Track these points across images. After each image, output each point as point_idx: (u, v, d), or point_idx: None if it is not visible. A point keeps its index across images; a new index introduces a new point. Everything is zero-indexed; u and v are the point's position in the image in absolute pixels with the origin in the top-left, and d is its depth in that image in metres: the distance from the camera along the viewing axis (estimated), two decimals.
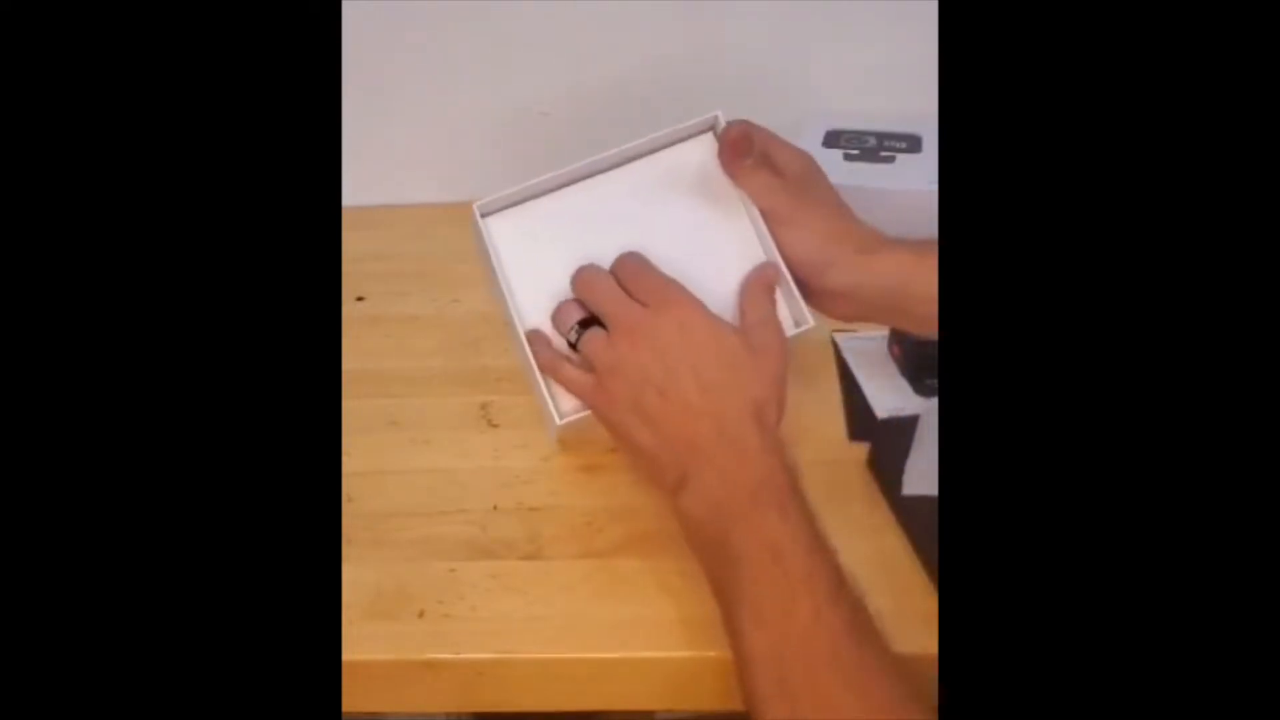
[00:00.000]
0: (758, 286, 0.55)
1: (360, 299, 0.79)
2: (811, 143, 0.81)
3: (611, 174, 0.57)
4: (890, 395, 0.64)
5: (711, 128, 0.57)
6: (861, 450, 0.60)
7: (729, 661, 0.45)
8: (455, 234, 0.88)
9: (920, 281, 0.53)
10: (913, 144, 0.79)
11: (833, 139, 0.81)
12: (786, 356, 0.52)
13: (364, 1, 0.84)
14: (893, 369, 0.67)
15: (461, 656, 0.49)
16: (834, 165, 0.77)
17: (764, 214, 0.56)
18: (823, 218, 0.56)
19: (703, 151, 0.57)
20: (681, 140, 0.57)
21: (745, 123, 0.57)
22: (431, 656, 0.49)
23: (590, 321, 0.52)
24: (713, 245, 0.56)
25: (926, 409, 0.59)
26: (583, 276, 0.53)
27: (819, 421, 0.63)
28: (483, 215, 0.57)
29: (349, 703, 0.48)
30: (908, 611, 0.50)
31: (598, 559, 0.53)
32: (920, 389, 0.64)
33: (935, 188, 0.72)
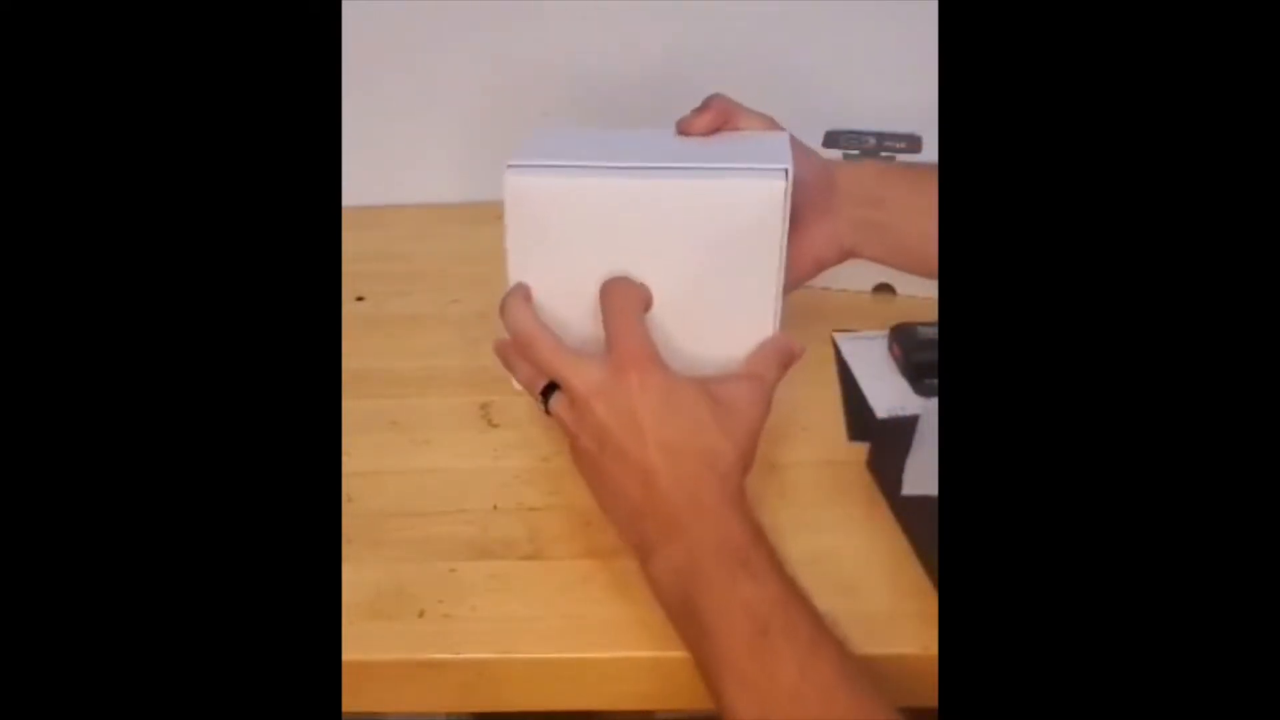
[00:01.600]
0: (774, 353, 0.55)
1: (360, 299, 0.79)
2: (811, 143, 0.81)
3: (664, 181, 0.52)
4: (890, 395, 0.64)
5: (784, 174, 0.52)
6: (861, 450, 0.60)
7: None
8: (455, 234, 0.89)
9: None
10: (913, 144, 0.79)
11: (832, 139, 0.81)
12: (761, 413, 0.52)
13: (364, 2, 0.84)
14: (893, 369, 0.67)
15: (461, 656, 0.49)
16: None
17: None
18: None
19: (763, 198, 0.52)
20: (750, 175, 0.53)
21: (718, 98, 0.63)
22: (431, 656, 0.49)
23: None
24: (728, 296, 0.54)
25: (926, 409, 0.59)
26: (534, 340, 0.51)
27: (819, 421, 0.63)
28: (514, 170, 0.52)
29: (349, 703, 0.48)
30: (908, 611, 0.50)
31: (598, 559, 0.53)
32: (920, 389, 0.64)
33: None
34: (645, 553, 0.48)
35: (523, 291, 0.53)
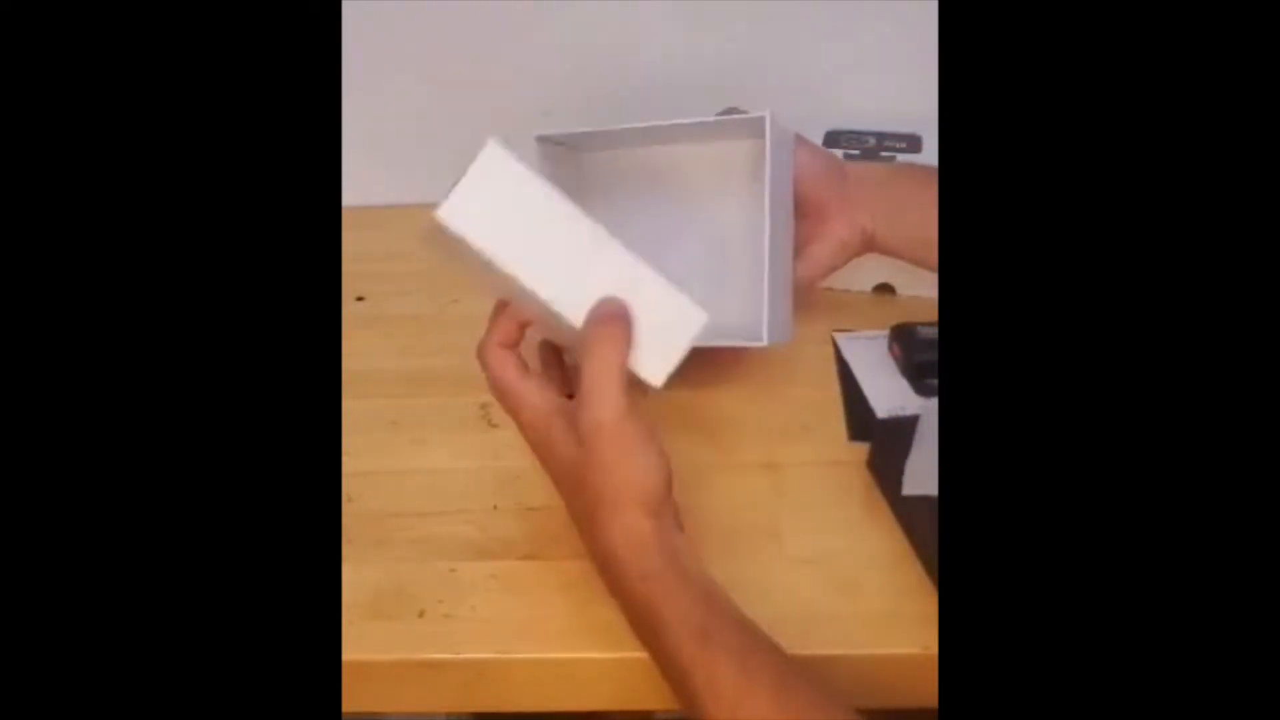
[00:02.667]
0: (601, 335, 0.48)
1: (360, 299, 0.79)
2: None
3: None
4: (890, 395, 0.64)
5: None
6: (862, 450, 0.60)
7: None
8: None
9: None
10: (913, 144, 0.79)
11: (833, 139, 0.81)
12: (622, 431, 0.47)
13: (364, 1, 0.84)
14: (893, 369, 0.67)
15: (461, 656, 0.49)
16: None
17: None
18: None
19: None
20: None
21: None
22: (431, 656, 0.49)
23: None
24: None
25: (926, 409, 0.59)
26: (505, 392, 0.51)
27: (819, 421, 0.63)
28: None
29: (349, 703, 0.48)
30: (908, 611, 0.50)
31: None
32: (920, 389, 0.65)
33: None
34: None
35: (498, 336, 0.51)
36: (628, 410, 0.46)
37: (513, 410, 0.51)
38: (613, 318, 0.47)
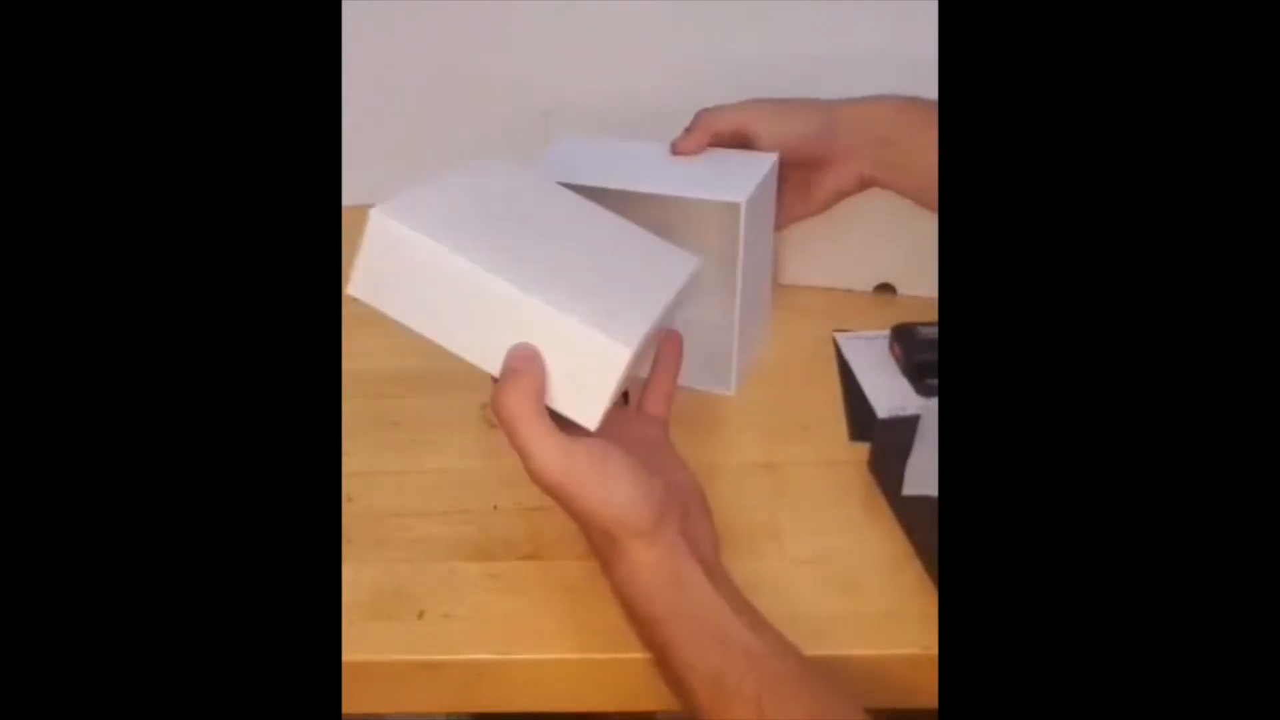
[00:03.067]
0: (506, 389, 0.45)
1: None
2: None
3: (522, 297, 0.46)
4: (891, 395, 0.64)
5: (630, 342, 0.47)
6: (862, 450, 0.60)
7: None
8: None
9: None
10: None
11: None
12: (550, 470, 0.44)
13: (364, 1, 0.84)
14: (893, 369, 0.67)
15: (461, 656, 0.49)
16: None
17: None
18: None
19: (604, 355, 0.46)
20: (600, 328, 0.46)
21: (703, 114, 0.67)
22: (431, 656, 0.49)
23: None
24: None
25: (926, 409, 0.59)
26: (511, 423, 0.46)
27: (819, 421, 0.63)
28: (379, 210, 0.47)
29: (349, 703, 0.48)
30: (908, 611, 0.50)
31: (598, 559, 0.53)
32: (920, 389, 0.65)
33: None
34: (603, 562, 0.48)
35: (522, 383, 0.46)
36: (568, 449, 0.44)
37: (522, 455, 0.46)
38: (513, 370, 0.45)
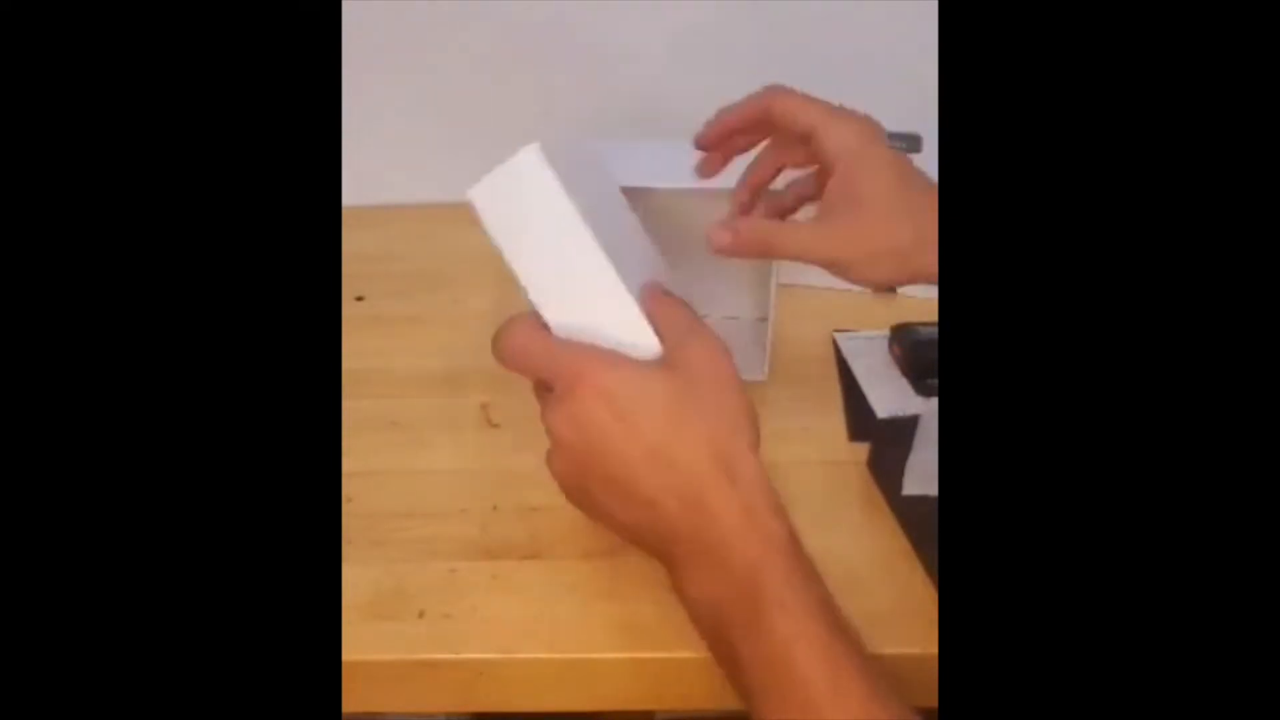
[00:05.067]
0: (656, 298, 0.47)
1: (360, 299, 0.79)
2: None
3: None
4: (890, 395, 0.64)
5: None
6: (861, 450, 0.60)
7: (614, 531, 0.46)
8: (455, 234, 0.89)
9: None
10: (913, 144, 0.79)
11: None
12: (729, 366, 0.45)
13: (364, 1, 0.84)
14: (893, 369, 0.67)
15: (461, 656, 0.49)
16: None
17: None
18: (874, 226, 0.50)
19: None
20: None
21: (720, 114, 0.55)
22: (431, 656, 0.49)
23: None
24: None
25: (926, 409, 0.59)
26: (503, 349, 0.47)
27: (819, 421, 0.63)
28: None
29: (349, 703, 0.48)
30: (908, 611, 0.50)
31: (598, 559, 0.53)
32: (920, 389, 0.65)
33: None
34: (668, 568, 0.45)
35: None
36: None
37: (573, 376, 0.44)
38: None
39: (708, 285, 0.61)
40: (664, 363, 0.45)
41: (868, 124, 0.54)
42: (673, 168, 0.61)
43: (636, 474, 0.43)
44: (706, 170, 0.59)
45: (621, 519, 0.45)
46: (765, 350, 0.66)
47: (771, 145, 0.58)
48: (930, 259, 0.50)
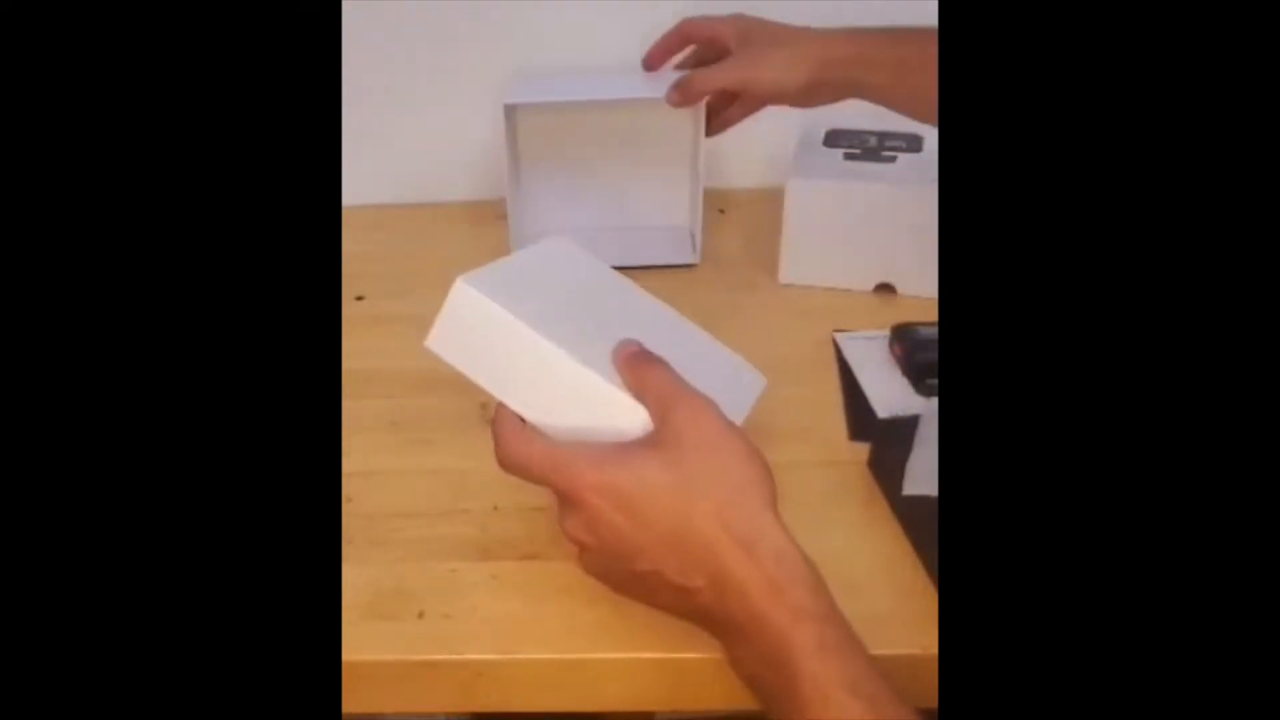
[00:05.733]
0: (629, 361, 0.48)
1: (360, 299, 0.79)
2: (813, 142, 0.81)
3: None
4: (891, 395, 0.64)
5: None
6: (861, 450, 0.60)
7: (669, 613, 0.45)
8: (455, 234, 0.89)
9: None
10: (913, 144, 0.79)
11: (833, 139, 0.81)
12: (719, 424, 0.45)
13: (364, 1, 0.84)
14: (893, 369, 0.67)
15: (461, 656, 0.49)
16: (834, 164, 0.77)
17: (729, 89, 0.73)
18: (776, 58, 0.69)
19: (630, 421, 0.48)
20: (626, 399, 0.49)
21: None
22: (431, 656, 0.49)
23: None
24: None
25: (926, 409, 0.59)
26: (501, 462, 0.48)
27: (819, 421, 0.63)
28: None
29: (349, 703, 0.48)
30: (908, 611, 0.50)
31: None
32: (920, 389, 0.65)
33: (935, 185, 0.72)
34: (713, 635, 0.45)
35: (506, 416, 0.48)
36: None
37: (569, 485, 0.44)
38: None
39: (648, 187, 0.86)
40: (654, 441, 0.45)
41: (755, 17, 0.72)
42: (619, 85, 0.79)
43: (661, 564, 0.43)
44: (650, 65, 0.77)
45: (664, 604, 0.45)
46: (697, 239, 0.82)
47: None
48: (830, 72, 0.68)
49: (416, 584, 0.52)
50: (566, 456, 0.45)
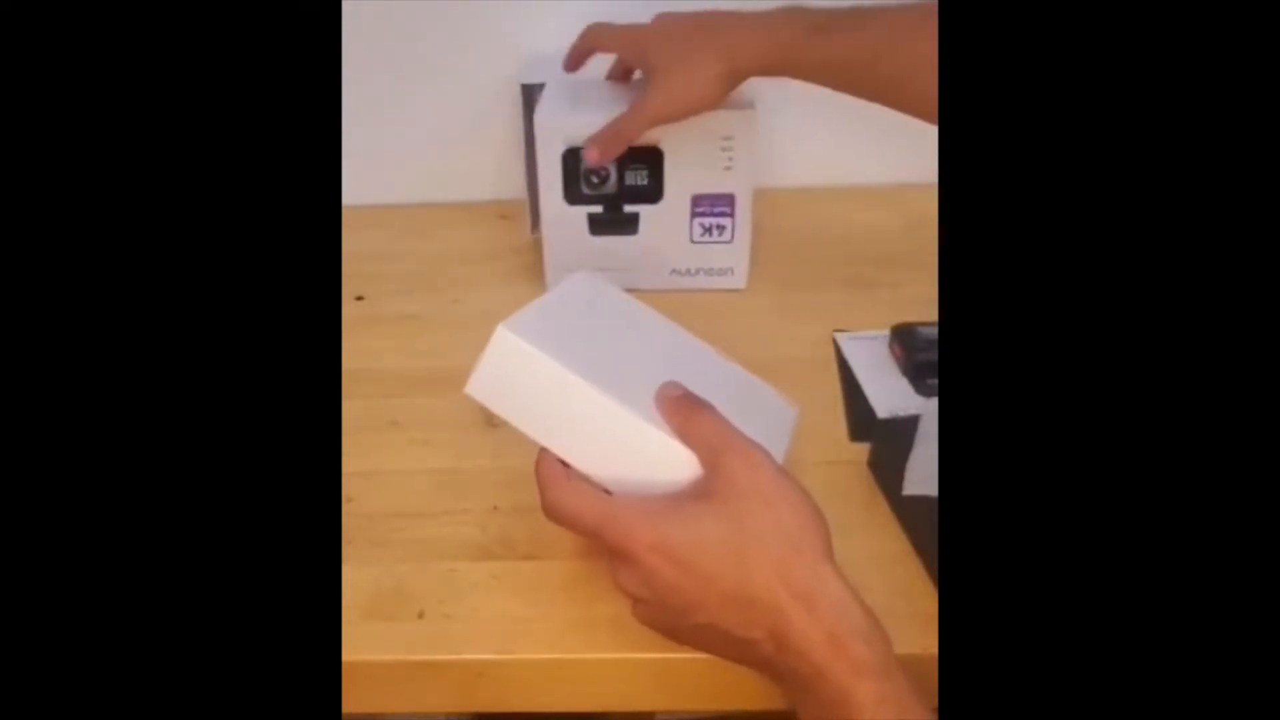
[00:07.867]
0: (675, 406, 0.47)
1: (360, 299, 0.79)
2: None
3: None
4: (891, 395, 0.64)
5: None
6: (862, 450, 0.60)
7: (728, 661, 0.45)
8: (455, 234, 0.89)
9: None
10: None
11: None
12: (771, 471, 0.44)
13: (364, 1, 0.84)
14: (893, 369, 0.67)
15: (461, 656, 0.49)
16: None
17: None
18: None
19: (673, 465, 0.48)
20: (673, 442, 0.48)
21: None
22: (431, 656, 0.49)
23: None
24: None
25: (926, 409, 0.59)
26: (550, 515, 0.47)
27: (819, 421, 0.63)
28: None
29: (349, 703, 0.48)
30: (908, 611, 0.49)
31: (598, 559, 0.53)
32: (920, 389, 0.65)
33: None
34: (781, 688, 0.44)
35: (550, 464, 0.47)
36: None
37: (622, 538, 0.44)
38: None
39: None
40: (707, 492, 0.44)
41: (662, 20, 0.70)
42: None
43: (719, 618, 0.43)
44: (568, 69, 0.75)
45: (724, 654, 0.45)
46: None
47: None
48: (757, 68, 0.66)
49: (416, 584, 0.52)
50: (618, 511, 0.44)
